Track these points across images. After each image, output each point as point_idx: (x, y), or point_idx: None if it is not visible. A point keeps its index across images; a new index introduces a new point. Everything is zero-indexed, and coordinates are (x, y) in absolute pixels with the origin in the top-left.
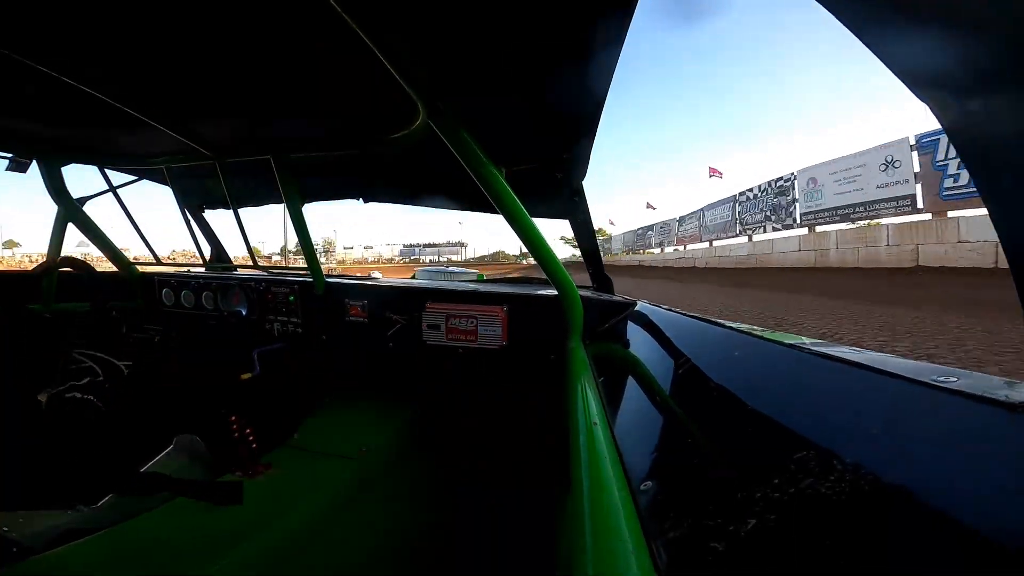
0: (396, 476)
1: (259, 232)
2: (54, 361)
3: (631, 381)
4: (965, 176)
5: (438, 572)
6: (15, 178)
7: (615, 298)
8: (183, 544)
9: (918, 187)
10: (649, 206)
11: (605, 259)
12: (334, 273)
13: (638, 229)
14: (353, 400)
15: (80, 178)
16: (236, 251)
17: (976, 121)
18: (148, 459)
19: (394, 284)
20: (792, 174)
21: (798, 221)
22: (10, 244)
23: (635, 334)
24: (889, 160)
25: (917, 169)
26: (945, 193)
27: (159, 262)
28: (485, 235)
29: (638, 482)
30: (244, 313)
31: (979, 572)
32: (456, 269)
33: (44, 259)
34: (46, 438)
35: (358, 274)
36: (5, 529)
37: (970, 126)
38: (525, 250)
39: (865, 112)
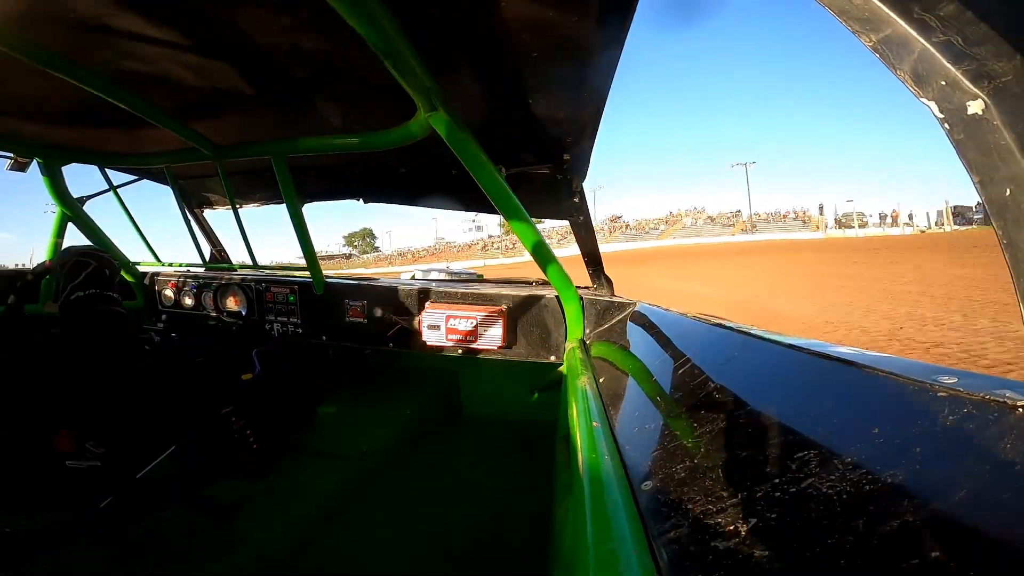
0: (396, 476)
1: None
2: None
3: (631, 381)
4: None
5: (437, 572)
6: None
7: (615, 298)
8: (184, 544)
9: None
10: None
11: None
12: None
13: None
14: (353, 400)
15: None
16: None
17: (976, 122)
18: (150, 460)
19: (394, 284)
20: None
21: None
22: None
23: (635, 334)
24: None
25: None
26: None
27: (159, 262)
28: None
29: (638, 482)
30: (244, 313)
31: (979, 572)
32: (456, 269)
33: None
34: (53, 436)
35: None
36: (6, 529)
37: (970, 127)
38: None
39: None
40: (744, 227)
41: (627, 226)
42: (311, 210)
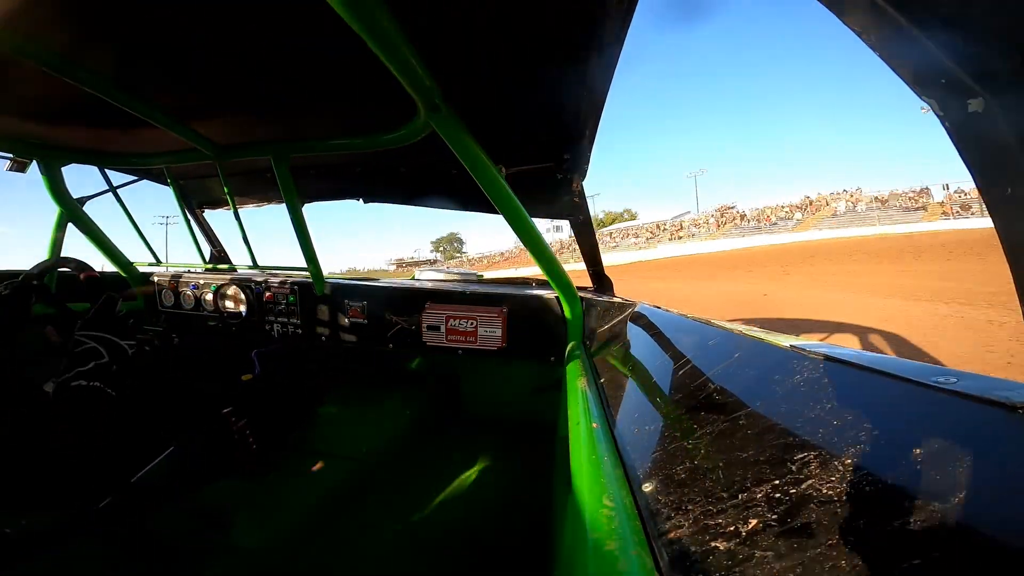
0: (396, 476)
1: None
2: (61, 347)
3: (631, 382)
4: None
5: (437, 572)
6: None
7: (615, 299)
8: (182, 545)
9: None
10: None
11: None
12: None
13: None
14: (353, 400)
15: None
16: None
17: (977, 121)
18: (149, 460)
19: (394, 285)
20: None
21: None
22: None
23: (635, 335)
24: None
25: None
26: None
27: (159, 262)
28: None
29: (638, 483)
30: (244, 314)
31: (979, 572)
32: (456, 270)
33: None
34: (51, 433)
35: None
36: (6, 530)
37: (971, 126)
38: None
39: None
40: (946, 210)
41: (742, 216)
42: (403, 213)
